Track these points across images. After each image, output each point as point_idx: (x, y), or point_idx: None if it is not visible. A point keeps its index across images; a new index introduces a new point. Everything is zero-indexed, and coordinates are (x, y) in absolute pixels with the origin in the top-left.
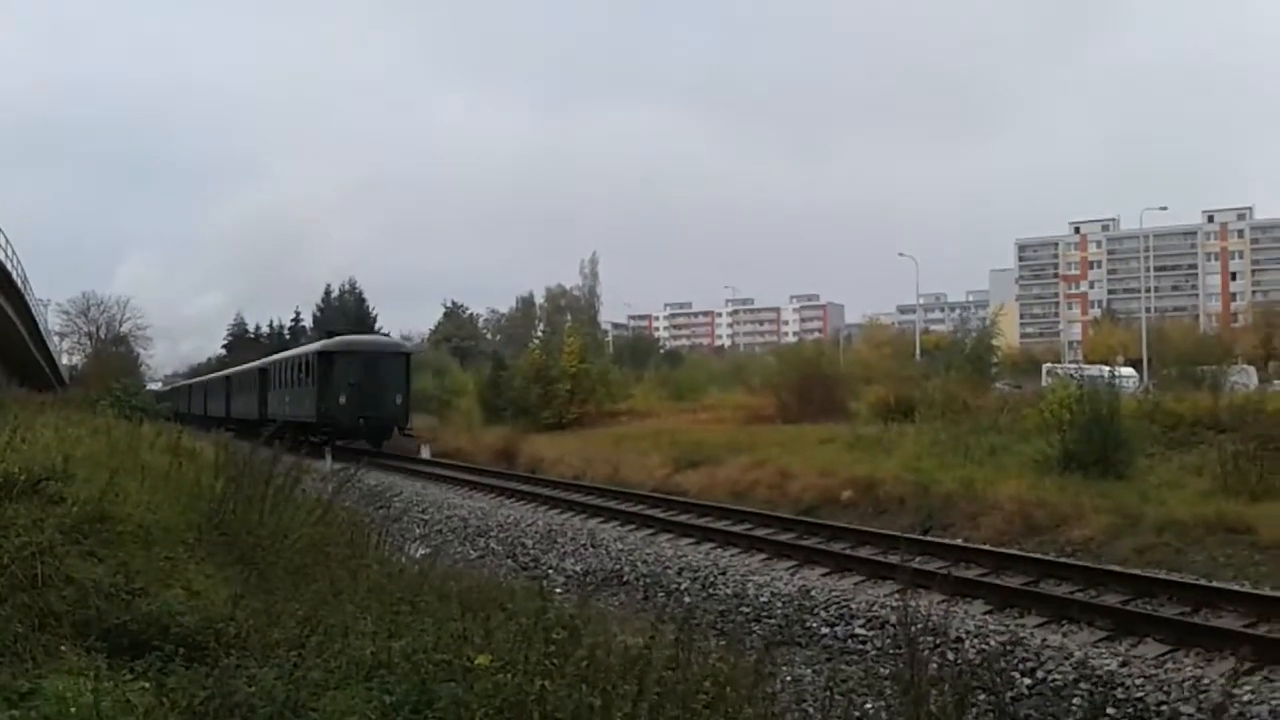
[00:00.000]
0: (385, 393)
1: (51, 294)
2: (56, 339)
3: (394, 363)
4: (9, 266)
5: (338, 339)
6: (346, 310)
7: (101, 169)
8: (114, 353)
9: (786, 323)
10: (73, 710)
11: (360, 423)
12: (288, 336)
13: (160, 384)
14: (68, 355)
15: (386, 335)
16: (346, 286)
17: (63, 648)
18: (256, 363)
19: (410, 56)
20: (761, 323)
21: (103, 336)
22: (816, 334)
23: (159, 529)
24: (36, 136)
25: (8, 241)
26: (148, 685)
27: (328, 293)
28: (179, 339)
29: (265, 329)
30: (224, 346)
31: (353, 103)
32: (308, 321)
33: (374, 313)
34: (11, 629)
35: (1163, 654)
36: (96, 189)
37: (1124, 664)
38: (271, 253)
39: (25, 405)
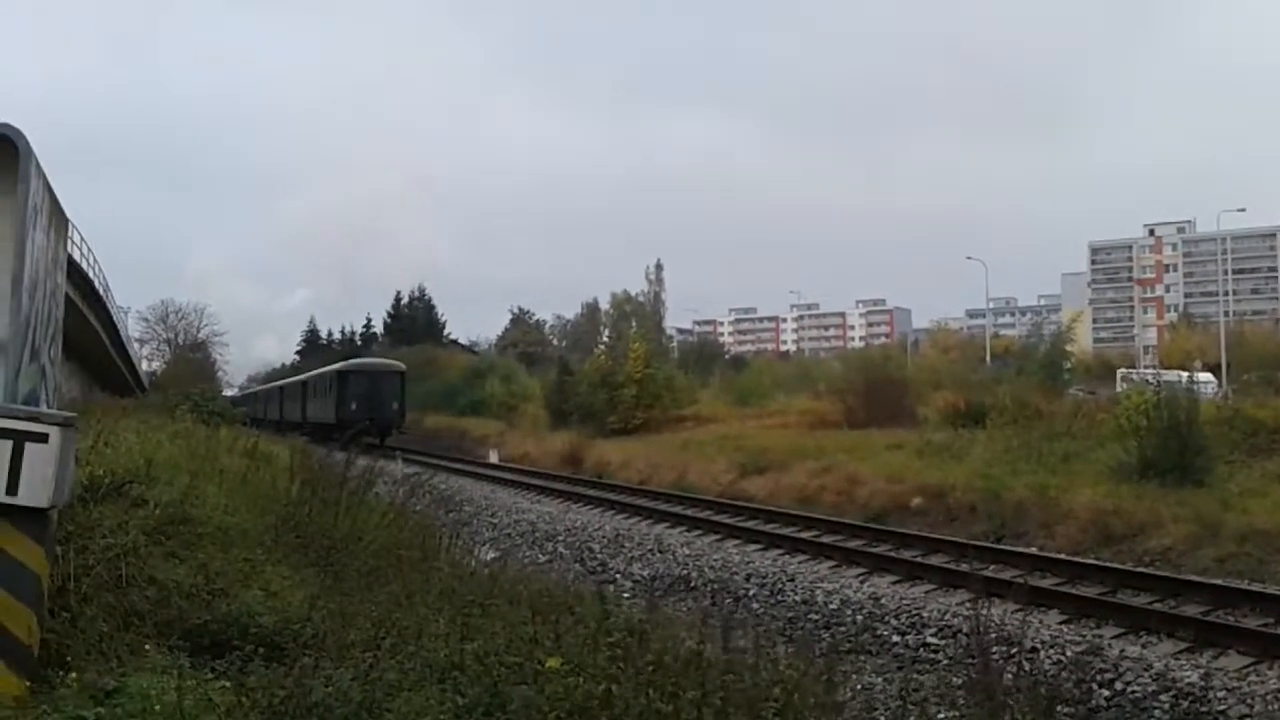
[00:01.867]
0: (385, 401)
1: (131, 301)
2: (136, 345)
3: (391, 379)
4: (91, 275)
5: (351, 361)
6: (416, 317)
7: (179, 177)
8: (191, 359)
9: (853, 328)
10: (156, 708)
11: (367, 423)
12: (359, 343)
13: (236, 390)
14: (147, 361)
15: (460, 342)
16: (416, 293)
17: (146, 646)
18: (300, 377)
19: (478, 65)
20: (827, 328)
21: (181, 343)
22: (883, 339)
23: (237, 531)
24: (114, 147)
25: (90, 250)
26: (228, 684)
27: (398, 300)
28: (257, 339)
29: (337, 335)
30: (297, 352)
31: (421, 111)
32: (379, 328)
33: (443, 319)
34: (97, 628)
35: (1246, 666)
36: (177, 197)
37: (1206, 676)
38: (347, 260)
39: (108, 410)
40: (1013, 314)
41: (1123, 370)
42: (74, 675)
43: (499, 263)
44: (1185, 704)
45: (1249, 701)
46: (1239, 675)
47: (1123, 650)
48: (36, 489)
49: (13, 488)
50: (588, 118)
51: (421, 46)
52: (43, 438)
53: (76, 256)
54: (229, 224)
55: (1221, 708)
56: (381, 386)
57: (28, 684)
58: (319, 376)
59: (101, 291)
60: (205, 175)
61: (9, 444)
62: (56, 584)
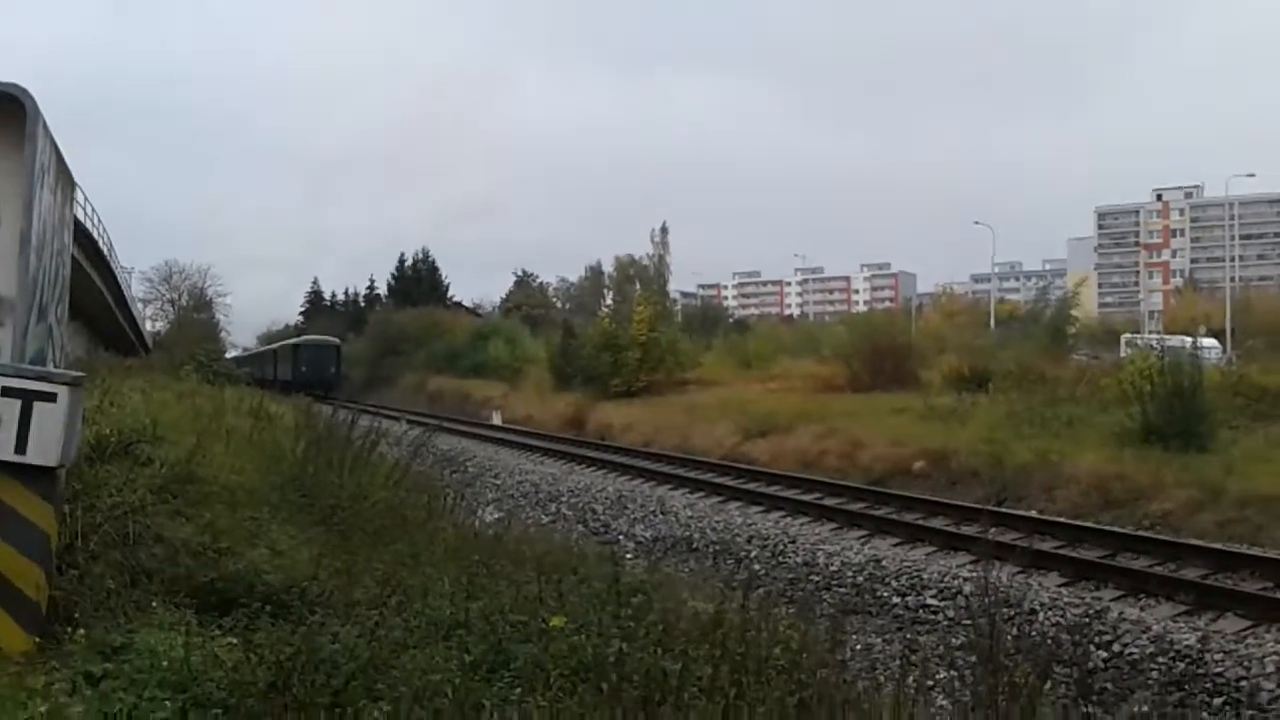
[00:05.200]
0: (325, 366)
1: (136, 262)
2: (140, 305)
3: (330, 351)
4: (95, 235)
5: (302, 338)
6: (420, 279)
7: (186, 140)
8: (196, 319)
9: (857, 291)
10: (164, 664)
11: (313, 380)
12: (363, 305)
13: (240, 350)
14: (151, 321)
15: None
16: (420, 255)
17: (154, 604)
18: (271, 346)
19: (489, 23)
20: (831, 291)
21: (185, 304)
22: (888, 303)
23: (243, 490)
24: (117, 108)
25: (94, 211)
26: (235, 641)
27: (401, 262)
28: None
29: (341, 296)
30: (301, 313)
31: (432, 74)
32: (383, 289)
33: (446, 281)
34: (104, 585)
35: (1244, 629)
36: (183, 159)
37: (1204, 639)
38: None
39: (113, 370)
40: (1018, 279)
41: (1127, 335)
42: (82, 631)
43: (503, 225)
44: (1182, 666)
45: (1246, 664)
46: (1237, 638)
47: (1122, 613)
48: (45, 448)
49: (21, 446)
50: (595, 79)
51: (429, 12)
52: (51, 397)
53: (81, 216)
54: (240, 182)
55: (1219, 670)
56: (323, 356)
57: (36, 640)
58: (283, 347)
59: (106, 251)
60: (214, 132)
61: (18, 403)
62: (64, 541)
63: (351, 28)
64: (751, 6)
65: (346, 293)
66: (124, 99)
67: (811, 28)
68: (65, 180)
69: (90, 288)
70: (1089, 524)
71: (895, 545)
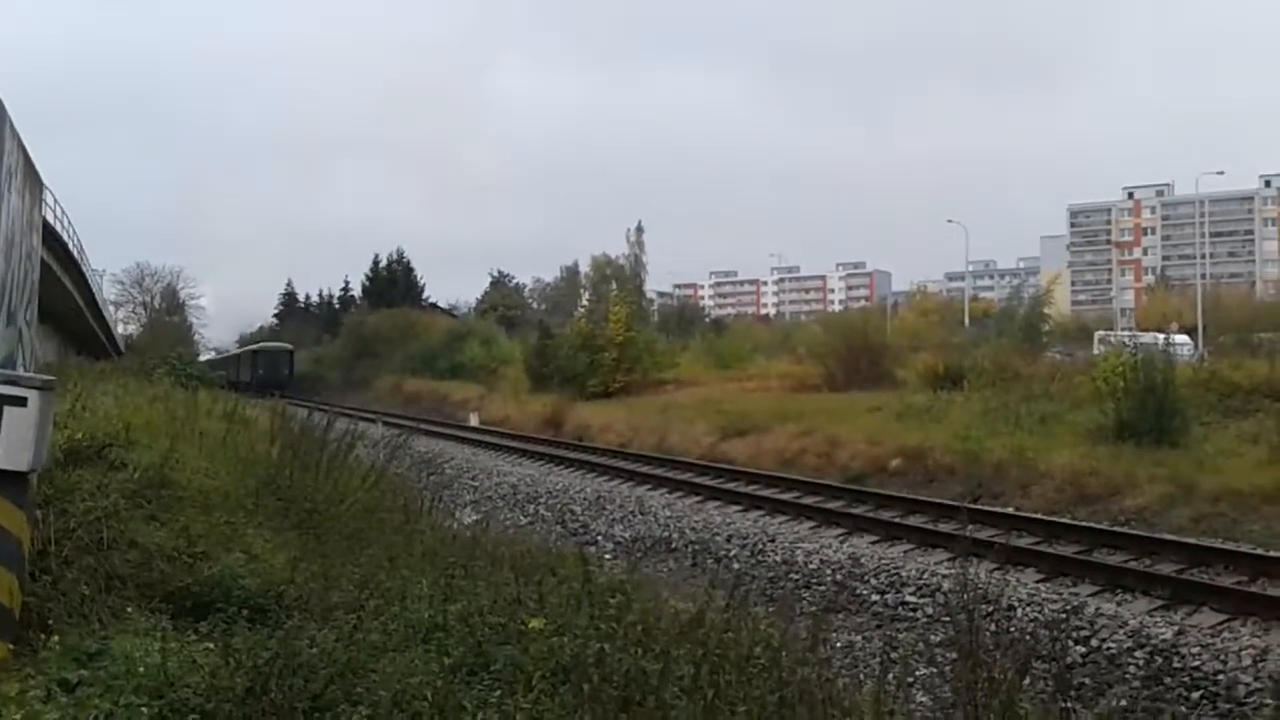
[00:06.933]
0: (279, 369)
1: (108, 264)
2: (112, 308)
3: (283, 355)
4: (65, 237)
5: (259, 345)
6: (395, 280)
7: (160, 132)
8: (168, 322)
9: (833, 291)
10: (140, 670)
11: (269, 381)
12: (337, 306)
13: (214, 352)
14: (123, 324)
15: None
16: (395, 256)
17: (129, 609)
18: (235, 351)
19: (460, 19)
20: (807, 291)
21: (157, 306)
22: (863, 302)
23: (218, 494)
24: (84, 105)
25: (64, 213)
26: (212, 646)
27: (376, 263)
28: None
29: (315, 298)
30: (275, 315)
31: (405, 67)
32: (357, 291)
33: (422, 282)
34: (79, 591)
35: (1220, 623)
36: (158, 153)
37: (1180, 633)
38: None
39: (85, 374)
40: (992, 277)
41: (1100, 332)
42: (56, 638)
43: (478, 225)
44: (1160, 660)
45: (1223, 658)
46: (1212, 632)
47: (1099, 608)
48: (15, 452)
49: None
50: (568, 77)
51: (405, 5)
52: (21, 401)
53: (50, 219)
54: (217, 174)
55: (1195, 664)
56: (277, 360)
57: (10, 647)
58: (244, 353)
59: (76, 254)
60: (189, 123)
61: None
62: (37, 547)
63: (321, 22)
64: (728, 3)
65: (321, 294)
66: (95, 90)
67: (795, 22)
68: (33, 182)
69: (60, 291)
70: (1065, 520)
71: (873, 543)
